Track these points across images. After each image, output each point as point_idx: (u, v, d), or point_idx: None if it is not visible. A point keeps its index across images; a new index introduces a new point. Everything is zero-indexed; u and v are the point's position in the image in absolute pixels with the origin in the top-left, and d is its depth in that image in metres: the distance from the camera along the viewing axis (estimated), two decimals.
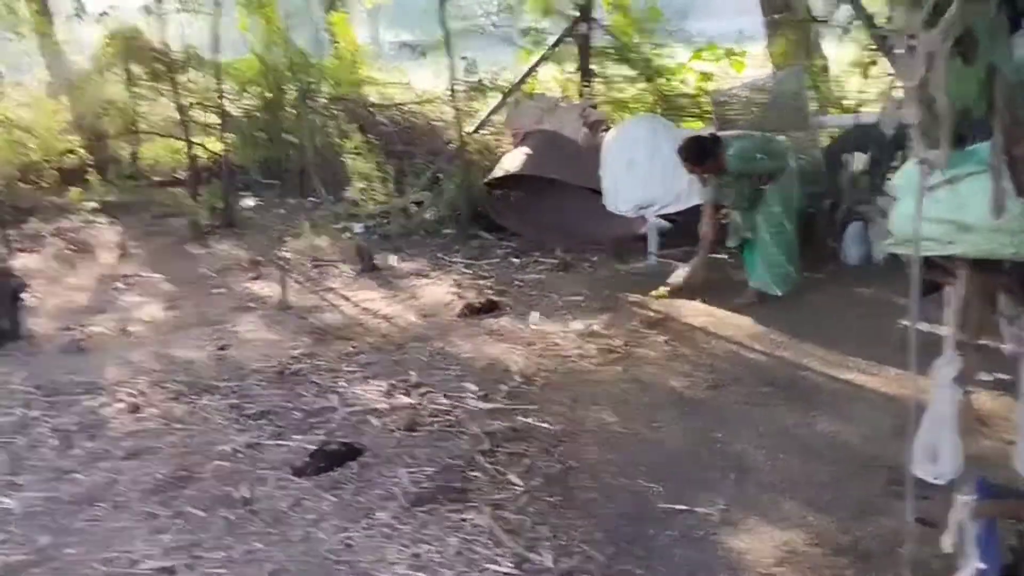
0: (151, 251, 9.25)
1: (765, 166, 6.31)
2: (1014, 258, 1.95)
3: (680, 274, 6.67)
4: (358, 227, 9.35)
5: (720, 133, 6.78)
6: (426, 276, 7.76)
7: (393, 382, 5.22)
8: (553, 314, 6.38)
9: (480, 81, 9.03)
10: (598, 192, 7.65)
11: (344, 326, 6.47)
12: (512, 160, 8.32)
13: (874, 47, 7.18)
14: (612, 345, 5.64)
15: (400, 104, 10.72)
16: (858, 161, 7.30)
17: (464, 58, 8.79)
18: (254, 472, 4.16)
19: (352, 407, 4.86)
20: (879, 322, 5.75)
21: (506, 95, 9.18)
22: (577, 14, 9.05)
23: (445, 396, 4.98)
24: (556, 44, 9.27)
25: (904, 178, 2.03)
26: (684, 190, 7.00)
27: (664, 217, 7.27)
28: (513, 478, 4.01)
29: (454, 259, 8.13)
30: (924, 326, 1.96)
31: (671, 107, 9.01)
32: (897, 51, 1.68)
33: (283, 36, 11.93)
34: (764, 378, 5.01)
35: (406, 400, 4.93)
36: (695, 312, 6.24)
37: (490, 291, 7.01)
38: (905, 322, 5.67)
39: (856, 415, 4.48)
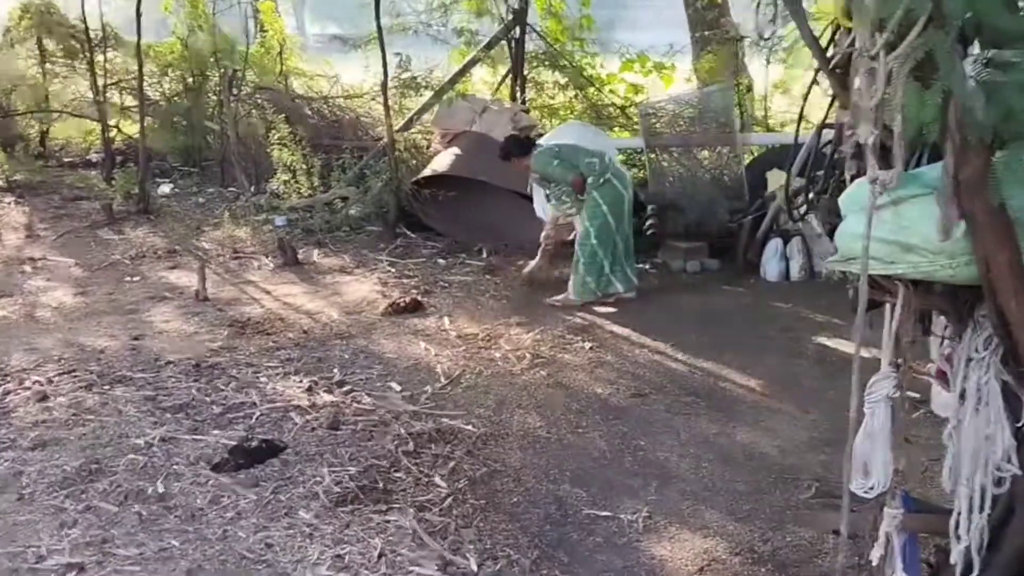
0: (61, 234, 8.91)
1: (557, 173, 6.60)
2: (950, 280, 2.01)
3: (530, 266, 7.09)
4: (280, 220, 9.18)
5: (550, 140, 7.24)
6: (349, 273, 7.66)
7: (315, 379, 5.13)
8: (479, 317, 6.36)
9: (414, 79, 8.95)
10: (526, 196, 7.65)
11: (264, 320, 6.34)
12: (442, 160, 8.28)
13: (815, 68, 7.34)
14: (537, 350, 5.65)
15: (328, 97, 10.56)
16: (778, 179, 7.48)
17: (398, 55, 8.72)
18: (169, 467, 4.03)
19: (273, 403, 4.76)
20: (796, 337, 5.93)
21: (436, 94, 9.13)
22: (511, 17, 9.05)
23: (368, 395, 4.92)
24: (489, 46, 9.26)
25: (851, 197, 2.07)
26: None
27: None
28: (437, 480, 3.98)
29: (379, 257, 8.04)
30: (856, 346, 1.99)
31: (600, 116, 9.08)
32: (855, 72, 1.71)
33: (208, 20, 11.66)
34: (686, 388, 5.08)
35: (329, 398, 4.85)
36: (619, 320, 6.30)
37: (415, 291, 6.95)
38: (821, 339, 5.88)
39: (773, 427, 4.58)
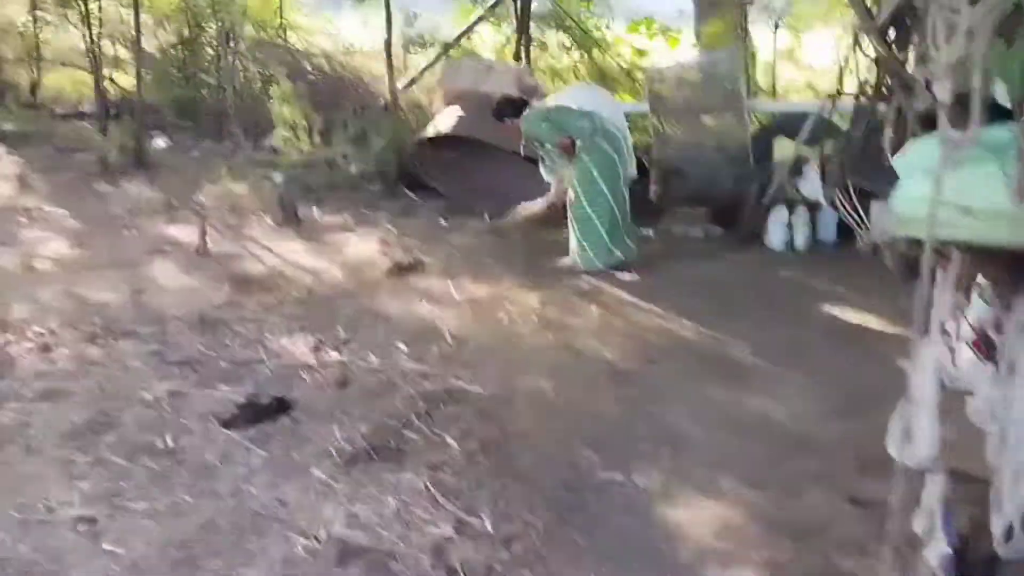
0: (55, 186, 8.78)
1: (545, 135, 6.58)
2: (1007, 246, 1.96)
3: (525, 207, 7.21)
4: (279, 176, 9.05)
5: (545, 103, 7.15)
6: (351, 231, 7.59)
7: (321, 337, 5.07)
8: (483, 279, 6.30)
9: (420, 36, 8.78)
10: (530, 159, 7.56)
11: (266, 277, 6.27)
12: (445, 120, 8.17)
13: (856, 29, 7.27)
14: (544, 313, 5.60)
15: (328, 53, 10.40)
16: (785, 147, 7.42)
17: (411, 12, 8.54)
18: (178, 421, 3.98)
19: (280, 360, 4.70)
20: (803, 306, 5.91)
21: (441, 53, 8.98)
22: None
23: (375, 355, 4.86)
24: (496, 3, 9.10)
25: (912, 158, 2.02)
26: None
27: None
28: (450, 441, 3.94)
29: (379, 216, 7.96)
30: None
31: (605, 79, 8.97)
32: (930, 27, 1.65)
33: None
34: (695, 353, 5.05)
35: (336, 356, 4.79)
36: (625, 286, 6.26)
37: (418, 251, 6.88)
38: (828, 309, 5.86)
39: (785, 394, 4.54)
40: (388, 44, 8.14)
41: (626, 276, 6.43)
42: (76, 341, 4.82)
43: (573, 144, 6.52)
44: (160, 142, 10.91)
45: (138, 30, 9.70)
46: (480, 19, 9.26)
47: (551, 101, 7.19)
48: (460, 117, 8.12)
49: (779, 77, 8.77)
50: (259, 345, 4.90)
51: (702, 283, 6.32)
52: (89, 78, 13.46)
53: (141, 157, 9.72)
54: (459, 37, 9.11)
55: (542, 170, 7.09)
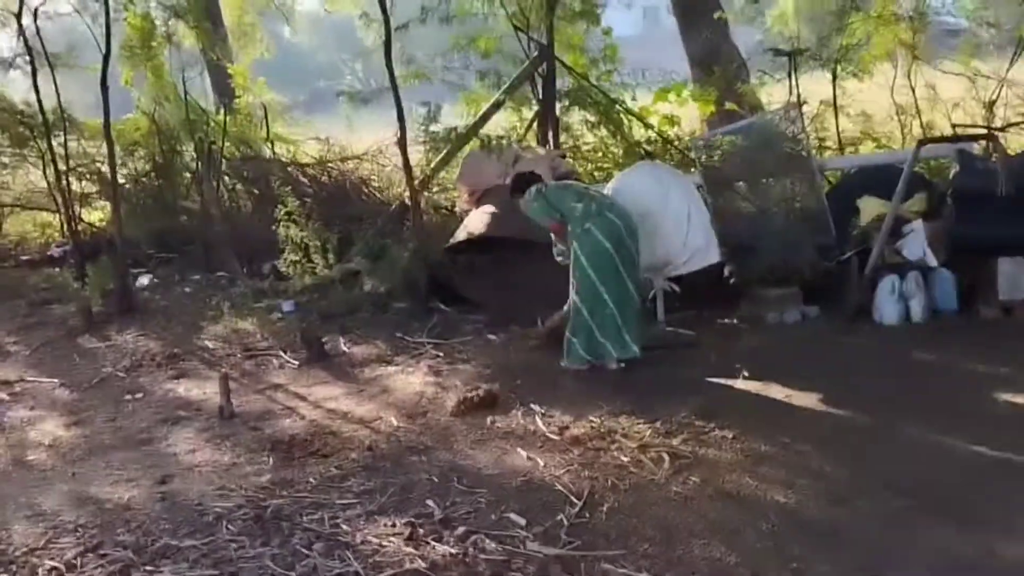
0: (35, 349, 7.67)
1: (538, 215, 6.04)
2: None
3: (554, 319, 6.23)
4: (287, 305, 8.06)
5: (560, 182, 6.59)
6: (390, 363, 6.54)
7: (411, 519, 3.99)
8: (571, 406, 5.26)
9: (446, 130, 7.83)
10: None
11: (312, 436, 5.19)
12: (476, 221, 7.22)
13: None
14: (670, 447, 4.56)
15: (325, 161, 9.46)
16: (873, 207, 6.55)
17: (426, 104, 7.65)
18: None
19: (376, 565, 3.60)
20: (970, 396, 4.92)
21: (454, 145, 8.07)
22: (535, 53, 8.04)
23: (490, 537, 3.78)
24: (513, 86, 8.23)
25: None
26: (702, 246, 6.05)
27: (679, 279, 6.31)
28: None
29: (417, 339, 6.93)
30: None
31: (640, 155, 8.08)
32: None
33: (175, 91, 10.55)
34: (887, 483, 4.01)
35: (443, 549, 3.70)
36: (741, 394, 5.25)
37: (480, 380, 5.84)
38: (1000, 394, 4.89)
39: None
40: (403, 142, 7.21)
41: (612, 365, 5.81)
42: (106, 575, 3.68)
43: (564, 228, 5.92)
44: (143, 280, 9.87)
45: (112, 159, 8.68)
46: (497, 104, 8.36)
47: (608, 185, 6.29)
48: (493, 215, 7.18)
49: (835, 129, 7.96)
50: (341, 547, 3.78)
51: (831, 379, 5.32)
52: (54, 219, 12.50)
53: (127, 301, 8.65)
54: (476, 126, 8.19)
55: (555, 255, 6.22)
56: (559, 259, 6.21)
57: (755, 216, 6.97)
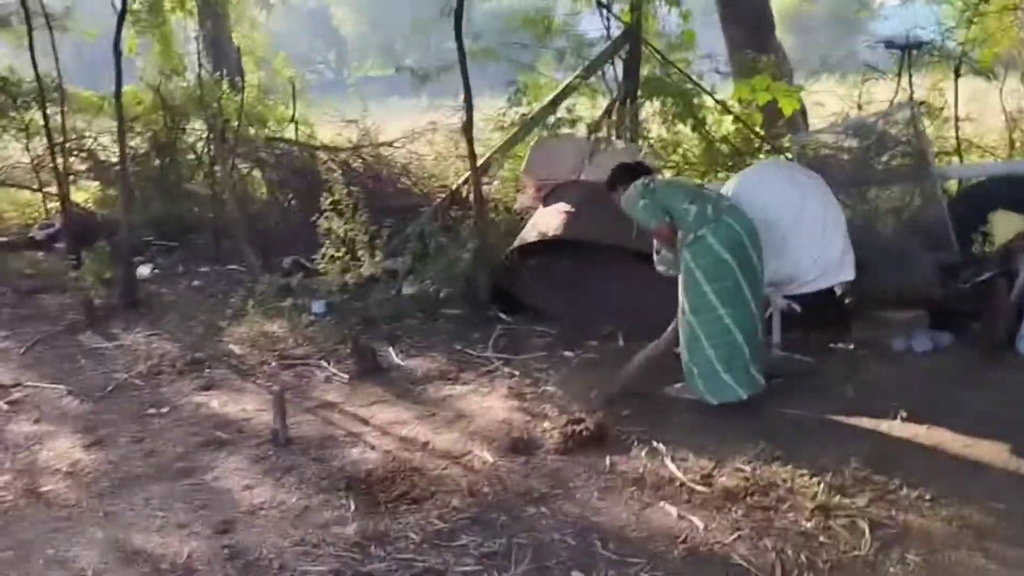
0: (31, 346, 6.67)
1: (642, 216, 5.06)
2: None
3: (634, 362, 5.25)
4: (318, 306, 7.14)
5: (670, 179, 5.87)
6: (456, 380, 5.65)
7: None
8: (701, 446, 4.41)
9: (530, 115, 6.86)
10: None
11: (392, 473, 4.30)
12: (550, 220, 6.34)
13: None
14: (858, 508, 3.72)
15: (358, 146, 8.50)
16: (1011, 223, 5.80)
17: (514, 84, 6.70)
18: None
19: None
20: None
21: (517, 132, 7.17)
22: (620, 31, 7.12)
23: None
24: (593, 68, 7.30)
25: None
26: (835, 261, 5.21)
27: (794, 297, 5.48)
28: None
29: (482, 353, 6.05)
30: None
31: (714, 157, 7.25)
32: None
33: (183, 63, 9.57)
34: None
35: None
36: (913, 444, 4.43)
37: (575, 407, 4.97)
38: None
39: None
40: (469, 127, 6.29)
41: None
42: None
43: (673, 233, 4.91)
44: (143, 270, 8.86)
45: (123, 135, 7.67)
46: (571, 88, 7.44)
47: (726, 185, 5.45)
48: (568, 214, 6.30)
49: (960, 133, 7.20)
50: None
51: (1006, 425, 4.49)
52: (35, 198, 11.43)
53: (131, 294, 7.67)
54: (545, 111, 7.26)
55: (656, 264, 5.34)
56: (661, 269, 5.33)
57: (862, 228, 6.15)
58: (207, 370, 5.99)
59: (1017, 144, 7.64)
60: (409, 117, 10.87)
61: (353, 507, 3.96)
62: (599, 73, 7.52)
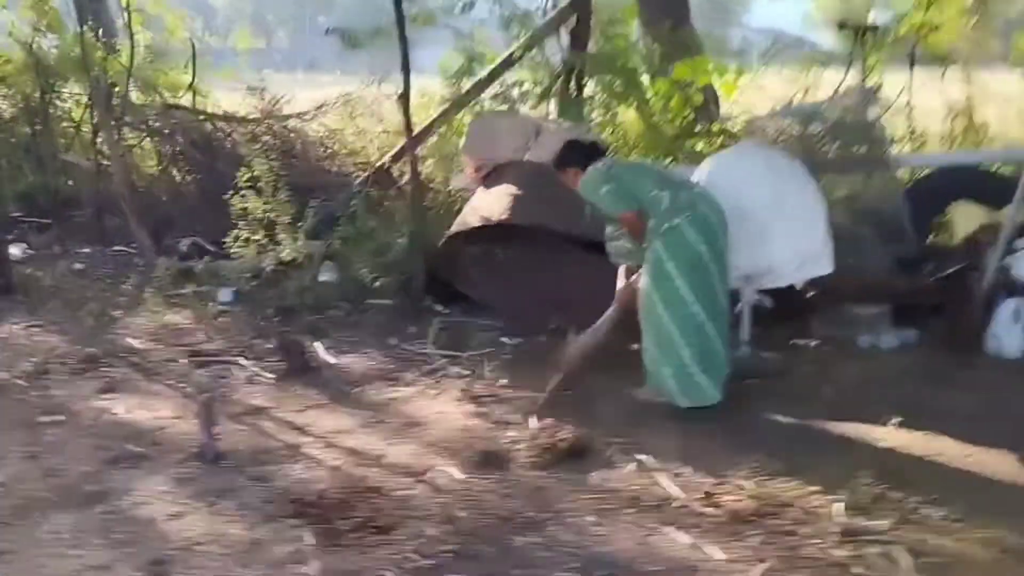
0: None
1: (606, 203, 4.63)
2: None
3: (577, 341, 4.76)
4: (226, 294, 6.43)
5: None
6: (396, 381, 5.09)
7: None
8: (695, 459, 4.00)
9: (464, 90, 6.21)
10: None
11: (348, 495, 3.72)
12: (493, 203, 5.81)
13: None
14: (885, 533, 3.37)
15: (270, 117, 7.72)
16: (971, 215, 5.63)
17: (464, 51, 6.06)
18: None
19: None
20: None
21: (451, 107, 6.60)
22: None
23: None
24: (536, 41, 6.78)
25: None
26: (815, 252, 4.87)
27: (768, 291, 5.13)
28: None
29: (421, 349, 5.50)
30: None
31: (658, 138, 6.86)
32: None
33: (58, 19, 8.57)
34: None
35: None
36: (916, 453, 4.14)
37: (536, 411, 4.49)
38: None
39: None
40: (406, 98, 5.69)
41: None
42: None
43: (641, 221, 4.51)
44: (15, 250, 7.85)
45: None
46: (510, 61, 6.88)
47: (698, 170, 5.04)
48: (515, 197, 5.78)
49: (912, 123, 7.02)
50: None
51: (1003, 430, 4.26)
52: None
53: (5, 278, 6.75)
54: (480, 86, 6.69)
55: (609, 251, 4.93)
56: (616, 259, 4.90)
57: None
58: (104, 369, 5.23)
59: (957, 135, 7.59)
60: (305, 91, 10.11)
61: (312, 540, 3.36)
62: (541, 46, 7.01)
